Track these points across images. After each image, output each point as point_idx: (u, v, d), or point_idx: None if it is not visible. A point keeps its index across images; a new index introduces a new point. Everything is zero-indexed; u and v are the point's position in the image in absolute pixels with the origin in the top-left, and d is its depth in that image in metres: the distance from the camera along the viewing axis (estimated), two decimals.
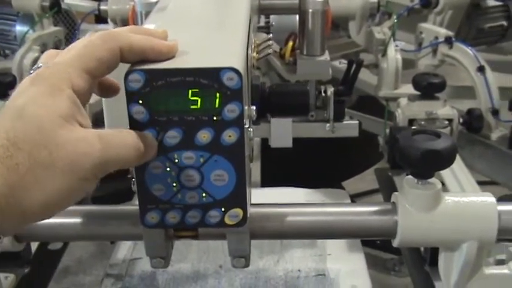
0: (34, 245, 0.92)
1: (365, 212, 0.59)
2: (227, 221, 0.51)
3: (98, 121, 0.70)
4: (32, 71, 0.47)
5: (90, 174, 0.43)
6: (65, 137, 0.42)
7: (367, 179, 2.10)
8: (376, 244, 1.85)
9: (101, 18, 1.45)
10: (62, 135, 0.42)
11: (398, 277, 1.91)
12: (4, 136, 0.41)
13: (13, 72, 1.31)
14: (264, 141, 1.17)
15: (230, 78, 0.46)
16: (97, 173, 0.44)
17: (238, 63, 0.47)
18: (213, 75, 0.46)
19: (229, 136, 0.48)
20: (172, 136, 0.48)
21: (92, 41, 0.46)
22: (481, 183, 1.15)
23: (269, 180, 1.32)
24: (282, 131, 1.01)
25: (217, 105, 0.47)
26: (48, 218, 0.44)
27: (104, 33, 0.47)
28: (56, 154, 0.41)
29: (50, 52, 0.50)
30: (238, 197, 0.50)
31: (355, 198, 2.16)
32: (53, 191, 0.42)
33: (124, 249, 1.06)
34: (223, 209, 0.51)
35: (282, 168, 1.68)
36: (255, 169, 1.36)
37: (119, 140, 0.45)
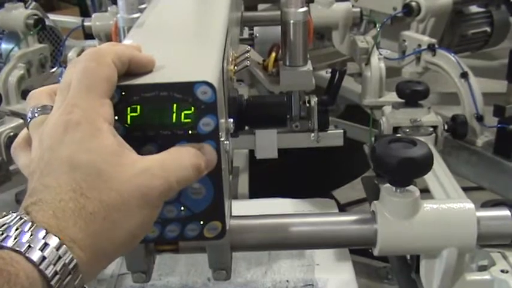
0: None
1: (345, 222, 0.59)
2: (206, 234, 0.51)
3: None
4: (29, 118, 0.47)
5: (160, 202, 0.44)
6: (127, 173, 0.42)
7: (358, 188, 2.11)
8: (369, 253, 1.85)
9: (89, 34, 1.46)
10: (123, 172, 0.42)
11: (391, 285, 1.91)
12: (69, 189, 0.41)
13: None
14: (252, 153, 1.17)
15: (204, 92, 0.47)
16: (165, 198, 0.45)
17: (212, 77, 0.47)
18: (187, 89, 0.47)
19: None
20: (149, 151, 0.48)
21: (88, 66, 0.45)
22: (469, 189, 1.16)
23: (259, 191, 1.32)
24: (267, 142, 1.01)
25: (192, 119, 0.48)
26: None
27: (91, 54, 0.46)
28: (125, 193, 0.42)
29: (38, 92, 0.50)
30: (216, 210, 0.51)
31: (346, 207, 2.16)
32: (131, 227, 0.43)
33: (112, 265, 1.06)
34: (201, 222, 0.51)
35: (272, 179, 1.68)
36: (243, 181, 1.36)
37: (177, 162, 0.45)
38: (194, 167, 0.46)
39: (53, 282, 0.38)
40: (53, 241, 0.39)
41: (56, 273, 0.38)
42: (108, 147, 0.43)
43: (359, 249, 1.43)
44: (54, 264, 0.38)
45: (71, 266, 0.39)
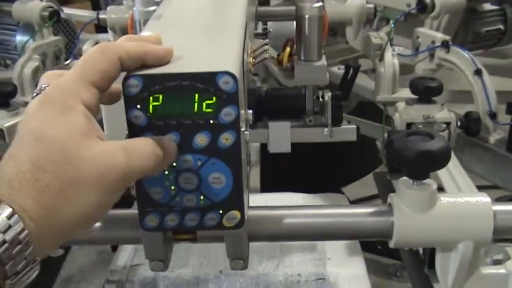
0: None
1: (361, 214, 0.59)
2: (225, 223, 0.52)
3: None
4: (35, 94, 0.48)
5: (117, 186, 0.45)
6: (88, 152, 0.43)
7: (368, 184, 2.11)
8: (378, 250, 1.86)
9: (101, 27, 1.46)
10: (84, 150, 0.43)
11: (400, 282, 1.91)
12: (28, 160, 0.42)
13: (14, 82, 1.32)
14: (264, 148, 1.17)
15: (226, 82, 0.47)
16: (123, 183, 0.45)
17: (234, 67, 0.48)
18: (209, 79, 0.47)
19: (226, 139, 0.49)
20: (170, 140, 0.49)
21: (91, 55, 0.47)
22: (482, 187, 1.16)
23: (269, 186, 1.33)
24: (281, 136, 1.01)
25: (213, 109, 0.48)
26: (85, 230, 0.46)
27: (100, 45, 0.48)
28: (83, 170, 0.43)
29: (50, 73, 0.51)
30: (235, 200, 0.51)
31: (356, 203, 2.16)
32: (84, 206, 0.43)
33: (125, 256, 1.07)
34: (221, 212, 0.52)
35: (282, 175, 1.69)
36: (254, 175, 1.36)
37: (140, 149, 0.46)
38: (156, 156, 0.47)
39: (0, 250, 0.39)
40: (5, 210, 0.40)
41: (4, 241, 0.39)
42: (75, 125, 0.44)
43: (367, 246, 1.43)
44: (4, 233, 0.39)
45: (22, 235, 0.40)
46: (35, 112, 0.44)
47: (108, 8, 1.34)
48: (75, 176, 0.42)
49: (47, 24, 1.43)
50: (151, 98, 0.48)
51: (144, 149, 0.46)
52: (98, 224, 0.59)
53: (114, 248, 1.14)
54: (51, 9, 1.43)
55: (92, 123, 0.45)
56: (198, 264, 1.03)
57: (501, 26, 1.61)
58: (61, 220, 0.42)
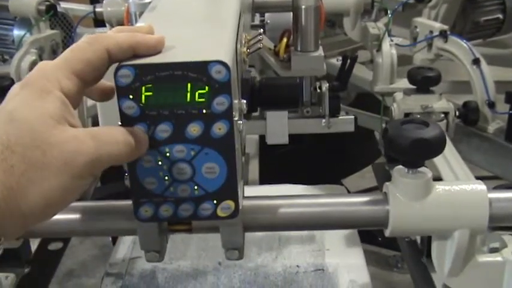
0: (34, 245, 0.92)
1: (357, 203, 0.59)
2: (219, 213, 0.52)
3: (95, 124, 0.70)
4: None
5: (84, 172, 0.44)
6: (57, 137, 0.43)
7: (367, 177, 2.11)
8: (378, 241, 1.86)
9: (99, 21, 1.46)
10: (53, 135, 0.43)
11: (401, 273, 1.91)
12: None
13: (11, 76, 1.31)
14: (263, 141, 1.17)
15: (218, 71, 0.47)
16: (91, 170, 0.45)
17: (226, 57, 0.48)
18: (201, 68, 0.47)
19: (219, 129, 0.49)
20: (163, 130, 0.49)
21: (78, 45, 0.48)
22: (480, 178, 1.15)
23: (268, 178, 1.33)
24: (278, 127, 1.01)
25: (206, 99, 0.48)
26: (49, 219, 0.45)
27: (90, 36, 0.49)
28: (50, 154, 0.43)
29: (43, 63, 0.51)
30: (229, 189, 0.51)
31: None
32: (49, 190, 0.43)
33: (124, 248, 1.07)
34: (215, 202, 0.52)
35: (281, 167, 1.68)
36: (253, 167, 1.36)
37: (110, 136, 0.46)
38: (127, 145, 0.47)
39: None
40: None
41: None
42: (49, 110, 0.44)
43: (368, 238, 1.43)
44: None
45: None
46: (13, 94, 0.45)
47: (104, 1, 1.34)
48: (42, 159, 0.42)
49: (43, 18, 1.42)
50: (143, 88, 0.48)
51: (113, 136, 0.46)
52: (93, 215, 0.59)
53: (115, 242, 1.14)
54: (47, 3, 1.42)
55: (66, 109, 0.45)
56: (196, 256, 1.03)
57: (500, 15, 1.61)
58: (24, 203, 0.42)
